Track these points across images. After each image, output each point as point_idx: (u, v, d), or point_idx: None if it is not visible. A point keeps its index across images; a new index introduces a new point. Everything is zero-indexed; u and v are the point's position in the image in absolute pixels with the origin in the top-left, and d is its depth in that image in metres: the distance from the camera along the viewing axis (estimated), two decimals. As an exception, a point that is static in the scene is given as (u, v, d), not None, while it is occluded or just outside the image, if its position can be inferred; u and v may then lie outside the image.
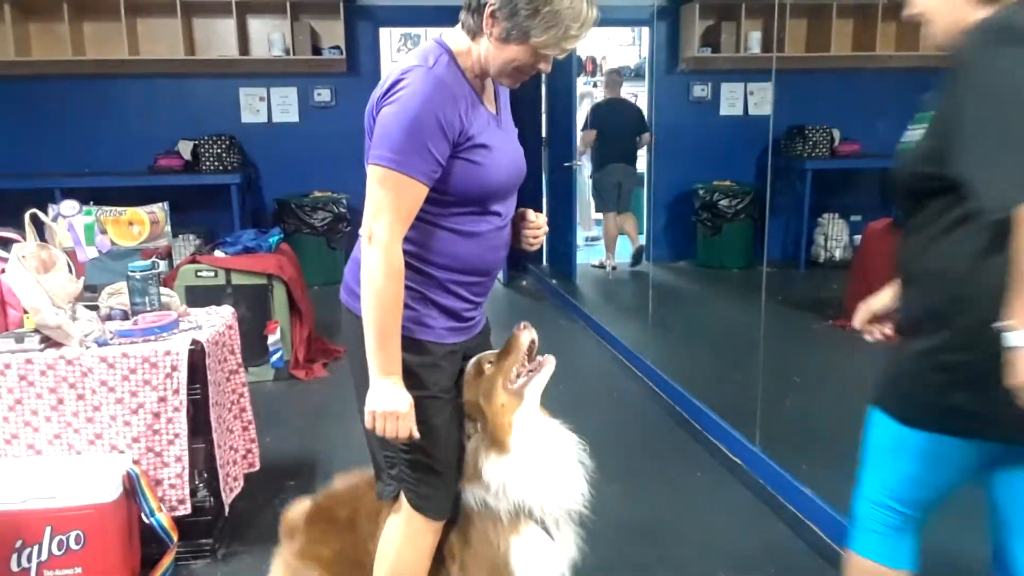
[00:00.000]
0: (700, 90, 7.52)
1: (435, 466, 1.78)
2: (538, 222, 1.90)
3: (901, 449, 1.69)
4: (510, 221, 1.85)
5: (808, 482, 2.79)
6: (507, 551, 1.75)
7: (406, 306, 1.69)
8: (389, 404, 1.63)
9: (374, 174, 1.63)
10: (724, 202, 7.14)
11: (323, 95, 7.15)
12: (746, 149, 7.22)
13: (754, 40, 7.09)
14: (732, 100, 7.54)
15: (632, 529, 2.79)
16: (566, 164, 6.87)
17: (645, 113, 7.42)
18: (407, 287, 1.68)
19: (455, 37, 1.72)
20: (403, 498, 1.83)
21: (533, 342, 1.83)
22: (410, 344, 1.71)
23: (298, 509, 2.04)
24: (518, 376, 1.81)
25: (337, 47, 6.93)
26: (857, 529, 1.81)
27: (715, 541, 2.74)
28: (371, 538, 1.89)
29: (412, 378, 1.70)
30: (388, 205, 1.61)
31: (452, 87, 1.66)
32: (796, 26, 7.21)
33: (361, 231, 1.66)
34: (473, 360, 1.83)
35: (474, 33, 1.68)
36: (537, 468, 1.77)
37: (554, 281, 6.84)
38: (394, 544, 1.85)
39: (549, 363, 1.82)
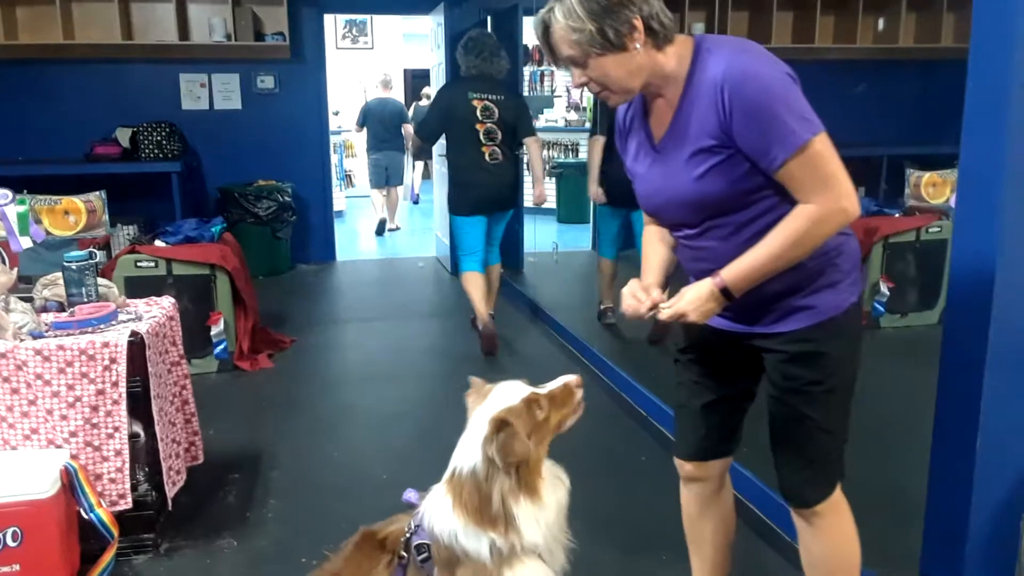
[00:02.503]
0: (645, 80, 7.58)
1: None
2: (644, 298, 1.76)
3: (457, 225, 4.76)
4: (712, 240, 1.72)
5: (748, 464, 2.86)
6: None
7: None
8: None
9: None
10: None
11: (266, 82, 7.04)
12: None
13: (697, 31, 7.18)
14: (676, 90, 7.61)
15: (575, 513, 2.82)
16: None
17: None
18: None
19: None
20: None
21: None
22: None
23: None
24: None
25: (280, 33, 6.82)
26: (463, 264, 4.80)
27: (659, 525, 2.79)
28: None
29: None
30: None
31: (620, 114, 1.86)
32: (738, 18, 7.31)
33: None
34: (526, 397, 1.75)
35: None
36: (555, 510, 1.75)
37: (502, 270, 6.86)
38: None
39: (579, 410, 1.83)
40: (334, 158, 9.20)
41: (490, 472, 1.68)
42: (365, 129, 9.34)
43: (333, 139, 8.63)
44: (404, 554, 1.77)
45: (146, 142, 6.42)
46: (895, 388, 4.04)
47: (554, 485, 1.76)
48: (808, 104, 1.58)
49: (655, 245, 1.92)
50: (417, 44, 11.29)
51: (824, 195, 1.57)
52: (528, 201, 7.35)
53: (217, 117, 6.98)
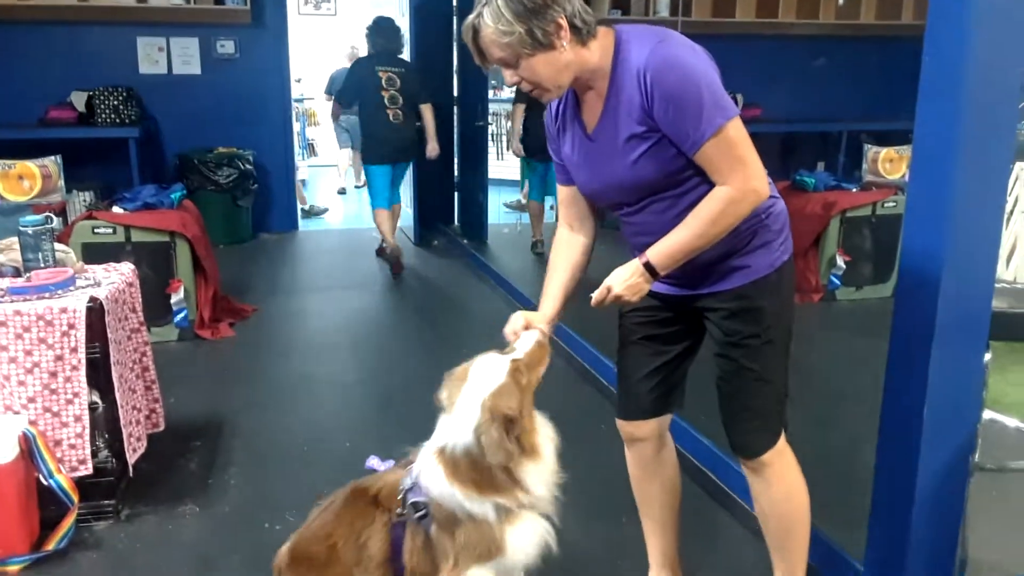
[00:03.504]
0: (610, 52, 7.57)
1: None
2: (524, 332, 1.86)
3: (369, 172, 5.95)
4: (650, 215, 1.81)
5: (704, 430, 2.93)
6: (503, 539, 1.73)
7: None
8: None
9: None
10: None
11: (227, 47, 6.91)
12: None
13: (663, 4, 7.17)
14: (641, 62, 7.62)
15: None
16: (477, 124, 6.85)
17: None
18: None
19: None
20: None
21: None
22: None
23: (282, 552, 1.89)
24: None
25: (241, -3, 6.69)
26: (373, 203, 5.93)
27: (619, 489, 2.84)
28: (356, 564, 1.81)
29: None
30: None
31: (551, 107, 1.88)
32: (703, -8, 7.33)
33: None
34: (509, 369, 1.74)
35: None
36: (552, 461, 1.78)
37: (465, 241, 6.86)
38: None
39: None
40: (296, 126, 9.09)
41: (487, 450, 1.69)
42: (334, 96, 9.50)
43: (296, 107, 8.51)
44: (403, 511, 1.78)
45: (102, 107, 6.28)
46: (849, 358, 4.14)
47: (545, 434, 1.79)
48: (724, 90, 1.67)
49: (559, 265, 2.00)
50: (381, 11, 11.12)
51: (737, 177, 1.67)
52: (492, 172, 7.36)
53: (176, 82, 6.84)
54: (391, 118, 5.70)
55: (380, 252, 6.26)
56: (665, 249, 1.74)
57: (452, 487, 1.72)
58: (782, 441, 1.95)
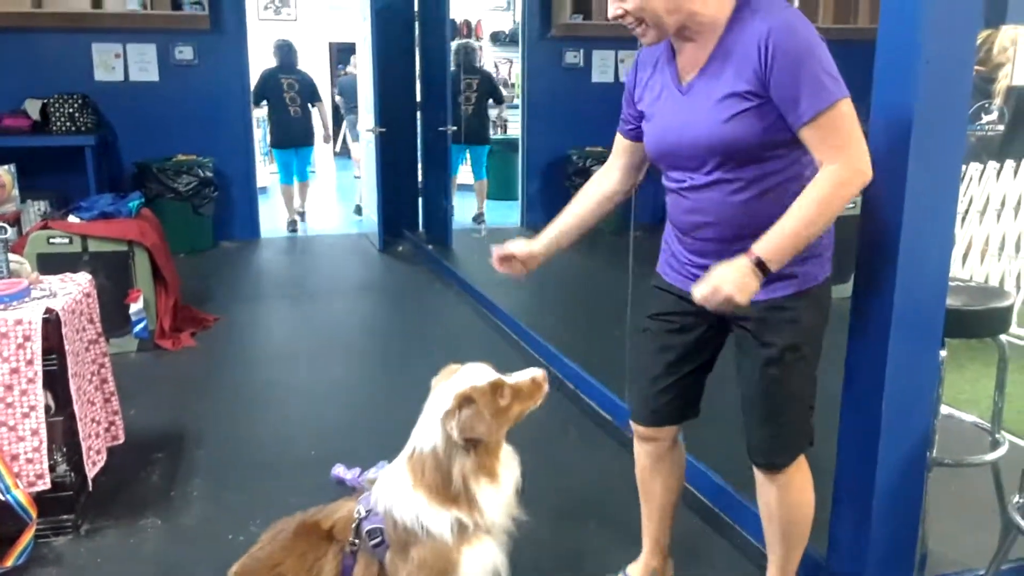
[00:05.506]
0: (572, 57, 7.62)
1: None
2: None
3: (276, 155, 8.00)
4: (713, 193, 1.77)
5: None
6: (457, 560, 1.70)
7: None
8: None
9: None
10: (597, 167, 7.24)
11: (185, 53, 6.82)
12: (618, 115, 7.34)
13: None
14: (604, 67, 7.69)
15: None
16: (440, 128, 6.84)
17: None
18: None
19: None
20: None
21: None
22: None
23: (229, 573, 1.85)
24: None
25: (199, 2, 6.61)
26: (281, 179, 7.93)
27: (586, 494, 2.86)
28: None
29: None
30: None
31: (644, 55, 1.88)
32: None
33: None
34: (492, 381, 1.73)
35: None
36: (511, 491, 1.76)
37: (430, 246, 6.84)
38: None
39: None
40: (257, 133, 8.98)
41: (449, 450, 1.68)
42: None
43: (256, 113, 8.43)
44: (356, 540, 1.74)
45: (57, 114, 6.17)
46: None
47: (509, 466, 1.77)
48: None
49: (577, 204, 2.13)
50: (342, 15, 11.08)
51: (844, 156, 1.63)
52: (465, 178, 7.34)
53: (133, 89, 6.74)
54: (291, 114, 7.64)
55: (289, 226, 7.88)
56: (776, 242, 1.62)
57: (416, 494, 1.69)
58: (801, 455, 1.94)
